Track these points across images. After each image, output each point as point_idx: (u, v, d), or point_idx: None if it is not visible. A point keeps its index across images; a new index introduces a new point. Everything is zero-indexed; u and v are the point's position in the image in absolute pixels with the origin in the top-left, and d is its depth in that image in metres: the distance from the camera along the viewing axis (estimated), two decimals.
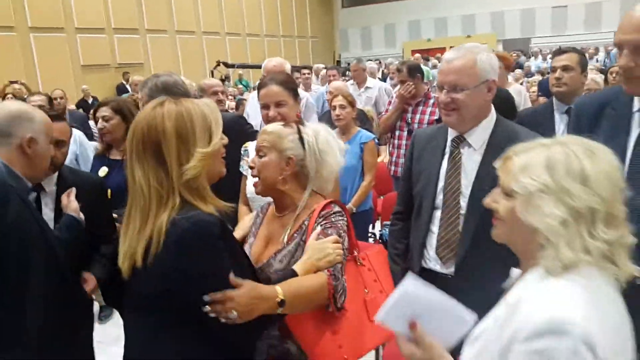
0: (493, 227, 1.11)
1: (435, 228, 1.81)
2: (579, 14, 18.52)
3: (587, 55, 12.08)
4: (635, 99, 1.61)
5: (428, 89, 4.29)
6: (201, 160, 1.25)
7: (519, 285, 1.04)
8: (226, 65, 13.83)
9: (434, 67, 11.02)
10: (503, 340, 0.96)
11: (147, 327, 1.29)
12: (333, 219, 1.57)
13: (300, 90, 3.92)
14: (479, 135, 1.77)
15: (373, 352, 2.60)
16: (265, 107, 2.15)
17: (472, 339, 1.08)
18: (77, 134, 3.35)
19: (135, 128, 1.28)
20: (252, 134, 2.46)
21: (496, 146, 1.67)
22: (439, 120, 4.12)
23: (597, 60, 12.61)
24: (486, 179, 1.66)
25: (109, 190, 2.81)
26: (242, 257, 1.38)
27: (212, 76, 12.13)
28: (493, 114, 1.81)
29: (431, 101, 4.15)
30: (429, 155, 1.86)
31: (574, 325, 0.88)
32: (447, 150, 1.82)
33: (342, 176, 3.41)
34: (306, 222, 1.56)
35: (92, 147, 3.46)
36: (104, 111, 2.76)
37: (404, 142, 4.09)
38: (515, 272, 1.13)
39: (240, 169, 2.30)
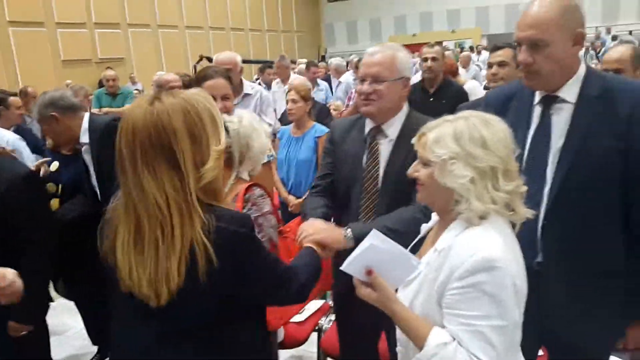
0: (418, 193, 1.33)
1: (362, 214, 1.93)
2: None
3: None
4: (537, 92, 1.68)
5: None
6: (218, 159, 1.15)
7: (444, 236, 1.26)
8: (209, 60, 13.78)
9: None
10: (438, 282, 1.19)
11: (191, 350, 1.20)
12: (259, 203, 1.72)
13: (254, 85, 3.99)
14: (395, 127, 1.91)
15: (315, 339, 2.69)
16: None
17: (405, 283, 1.32)
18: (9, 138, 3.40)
19: (135, 129, 1.10)
20: None
21: (407, 135, 1.79)
22: None
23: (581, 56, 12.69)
24: (396, 163, 1.85)
25: (60, 185, 2.86)
26: None
27: (195, 71, 12.10)
28: (405, 108, 1.92)
29: None
30: (349, 146, 1.98)
31: (500, 262, 1.13)
32: (367, 140, 1.94)
33: (297, 170, 3.54)
34: (232, 207, 1.64)
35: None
36: None
37: None
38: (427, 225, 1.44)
39: None
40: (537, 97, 1.67)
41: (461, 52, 13.06)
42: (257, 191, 1.74)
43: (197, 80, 2.33)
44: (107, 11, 12.86)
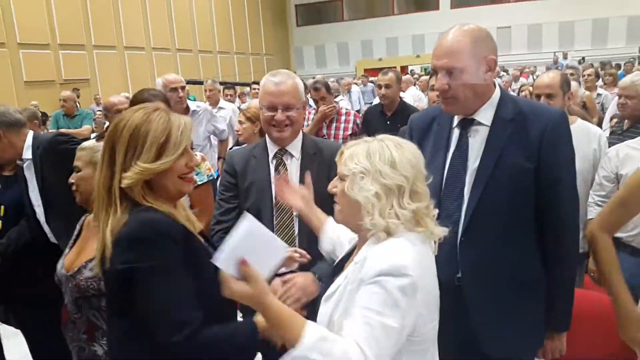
0: (335, 212, 1.37)
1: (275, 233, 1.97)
2: (522, 35, 19.38)
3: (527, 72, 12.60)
4: (455, 116, 1.77)
5: (340, 106, 4.48)
6: (138, 174, 1.27)
7: (362, 249, 1.30)
8: (196, 83, 13.71)
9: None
10: (354, 291, 1.22)
11: (118, 329, 1.33)
12: None
13: (197, 102, 4.14)
14: (297, 147, 2.02)
15: None
16: None
17: (326, 297, 1.33)
18: None
19: (109, 130, 1.34)
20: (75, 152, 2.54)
21: (306, 153, 1.99)
22: (352, 135, 4.31)
23: (533, 79, 13.18)
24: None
25: (2, 207, 2.82)
26: (205, 269, 1.30)
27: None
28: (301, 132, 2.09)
29: (343, 117, 4.33)
30: (253, 173, 2.02)
31: (408, 270, 1.17)
32: (273, 161, 2.03)
33: None
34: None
35: None
36: None
37: None
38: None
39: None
40: (456, 120, 1.76)
41: (427, 76, 13.50)
42: None
43: (133, 103, 2.34)
44: (72, 32, 12.80)
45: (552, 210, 1.67)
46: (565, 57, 16.33)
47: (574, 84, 3.37)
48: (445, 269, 1.72)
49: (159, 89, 3.64)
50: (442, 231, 1.32)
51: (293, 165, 2.01)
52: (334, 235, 1.64)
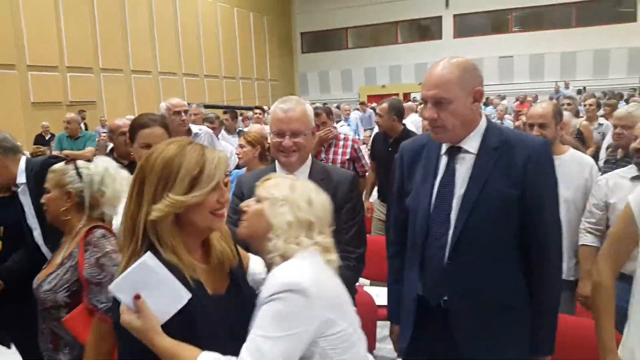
0: (240, 226, 1.44)
1: None
2: (524, 65, 19.63)
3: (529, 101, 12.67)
4: (443, 144, 1.83)
5: (337, 133, 4.56)
6: (168, 206, 1.22)
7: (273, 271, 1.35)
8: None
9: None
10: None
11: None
12: (99, 244, 1.80)
13: (199, 126, 4.25)
14: (304, 171, 2.05)
15: None
16: (147, 146, 2.29)
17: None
18: None
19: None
20: None
21: (315, 179, 1.94)
22: (350, 160, 4.38)
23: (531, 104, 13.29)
24: None
25: (2, 228, 2.86)
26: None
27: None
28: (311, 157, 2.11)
29: (341, 142, 4.41)
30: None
31: (300, 284, 1.24)
32: None
33: None
34: (76, 250, 1.80)
35: None
36: None
37: None
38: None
39: None
40: (444, 148, 1.82)
41: None
42: (98, 232, 1.82)
43: (133, 128, 2.39)
44: (81, 55, 13.06)
45: (535, 236, 1.71)
46: (567, 87, 16.50)
47: (566, 113, 3.44)
48: (433, 292, 1.77)
49: (161, 113, 3.75)
50: (336, 258, 1.41)
51: None
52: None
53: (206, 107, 7.63)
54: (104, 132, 10.30)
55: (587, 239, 2.65)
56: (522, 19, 20.04)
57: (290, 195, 1.39)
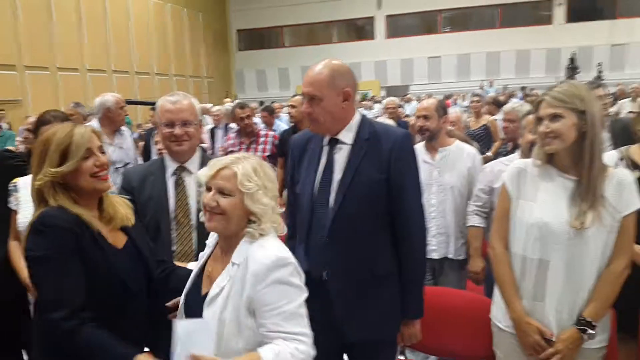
0: (210, 222, 1.51)
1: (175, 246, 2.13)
2: (452, 64, 20.49)
3: (453, 99, 13.35)
4: (326, 136, 2.05)
5: (258, 129, 4.75)
6: (46, 176, 1.54)
7: (238, 251, 1.51)
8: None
9: None
10: (246, 291, 1.44)
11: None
12: None
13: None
14: (194, 163, 2.19)
15: None
16: None
17: (210, 300, 1.49)
18: None
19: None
20: (18, 168, 2.64)
21: None
22: (270, 157, 4.58)
23: (459, 106, 13.96)
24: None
25: None
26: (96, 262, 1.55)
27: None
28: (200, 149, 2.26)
29: (261, 139, 4.61)
30: (150, 189, 2.16)
31: (289, 259, 1.48)
32: (172, 177, 2.17)
33: None
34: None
35: None
36: None
37: None
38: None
39: (9, 205, 2.50)
40: (326, 140, 2.06)
41: (363, 101, 14.20)
42: None
43: (37, 125, 2.49)
44: (2, 52, 12.48)
45: (400, 214, 1.98)
46: (491, 85, 17.39)
47: (457, 110, 3.76)
48: (315, 267, 1.99)
49: (98, 108, 3.88)
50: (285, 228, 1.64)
51: (192, 182, 2.15)
52: None
53: (131, 103, 7.57)
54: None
55: (474, 220, 2.95)
56: (450, 20, 20.89)
57: (260, 181, 1.50)
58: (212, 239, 1.69)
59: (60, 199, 1.55)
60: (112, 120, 3.95)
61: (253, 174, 1.49)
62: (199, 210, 2.06)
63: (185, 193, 2.12)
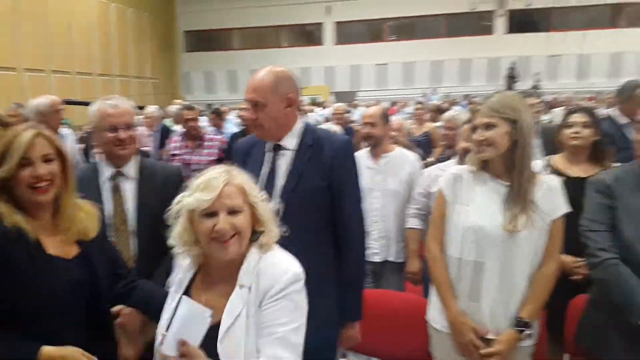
0: (227, 249, 1.37)
1: None
2: (398, 72, 20.96)
3: (398, 106, 13.66)
4: (269, 142, 2.06)
5: (204, 132, 4.71)
6: None
7: (245, 271, 1.39)
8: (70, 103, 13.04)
9: None
10: (257, 312, 1.34)
11: None
12: None
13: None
14: (132, 167, 2.16)
15: None
16: None
17: (223, 334, 1.33)
18: None
19: None
20: None
21: (146, 177, 2.13)
22: (217, 161, 4.53)
23: (404, 113, 14.26)
24: (146, 204, 2.08)
25: None
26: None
27: None
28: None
29: (207, 143, 4.56)
30: (88, 193, 2.09)
31: (302, 275, 1.42)
32: (109, 182, 2.13)
33: None
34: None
35: None
36: None
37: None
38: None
39: None
40: (269, 146, 2.06)
41: (314, 106, 14.32)
42: None
43: None
44: None
45: (340, 219, 2.02)
46: (434, 93, 17.90)
47: (399, 117, 3.87)
48: None
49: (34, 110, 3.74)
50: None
51: (129, 186, 2.13)
52: None
53: (71, 103, 7.29)
54: None
55: (413, 223, 3.06)
56: (396, 29, 21.37)
57: (259, 191, 1.46)
58: (184, 267, 1.52)
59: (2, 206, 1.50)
60: (47, 124, 3.78)
61: (252, 183, 1.44)
62: (138, 215, 2.08)
63: (122, 198, 2.09)
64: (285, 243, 1.92)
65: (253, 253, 1.41)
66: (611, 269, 1.91)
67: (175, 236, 1.42)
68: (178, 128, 7.23)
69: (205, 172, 1.41)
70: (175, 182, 2.15)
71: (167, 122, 7.57)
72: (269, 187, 2.01)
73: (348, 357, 2.67)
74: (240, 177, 1.42)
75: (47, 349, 1.45)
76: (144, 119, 6.71)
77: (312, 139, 2.03)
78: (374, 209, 3.13)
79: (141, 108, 8.09)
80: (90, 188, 2.08)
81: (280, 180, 2.00)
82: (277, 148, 2.04)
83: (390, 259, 3.15)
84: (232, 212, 1.36)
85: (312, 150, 2.00)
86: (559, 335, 2.36)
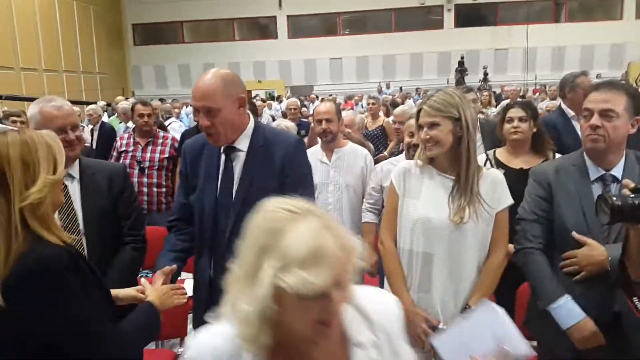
0: (334, 328, 0.97)
1: None
2: (352, 66, 21.14)
3: (354, 100, 13.80)
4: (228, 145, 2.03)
5: (157, 130, 4.63)
6: (45, 186, 1.27)
7: (349, 326, 1.04)
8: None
9: None
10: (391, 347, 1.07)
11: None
12: None
13: None
14: (76, 167, 2.13)
15: None
16: None
17: None
18: None
19: None
20: None
21: (89, 177, 2.11)
22: (169, 159, 4.47)
23: (362, 106, 14.43)
24: (90, 203, 2.08)
25: None
26: (97, 287, 1.42)
27: None
28: None
29: (160, 140, 4.49)
30: None
31: None
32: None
33: None
34: None
35: None
36: None
37: (135, 179, 4.32)
38: None
39: None
40: (221, 147, 2.03)
41: (271, 100, 14.23)
42: None
43: None
44: None
45: None
46: (388, 87, 18.16)
47: (350, 112, 3.94)
48: (219, 274, 1.92)
49: None
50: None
51: (74, 187, 2.09)
52: None
53: (14, 99, 7.01)
54: None
55: (367, 217, 3.12)
56: (349, 23, 21.53)
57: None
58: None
59: (52, 218, 1.32)
60: None
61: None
62: (84, 216, 2.05)
63: (69, 199, 2.05)
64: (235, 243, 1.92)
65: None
66: (527, 256, 2.01)
67: (242, 323, 0.95)
68: (123, 125, 7.09)
69: (292, 221, 0.96)
70: (121, 181, 2.14)
71: (113, 119, 7.41)
72: (226, 190, 2.01)
73: None
74: (339, 228, 0.99)
75: (152, 298, 1.62)
76: (87, 115, 6.55)
77: (262, 139, 2.02)
78: (329, 203, 3.19)
79: (90, 104, 7.89)
80: None
81: (237, 181, 2.00)
82: (230, 150, 2.02)
83: None
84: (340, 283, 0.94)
85: (263, 150, 2.00)
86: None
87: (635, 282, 1.63)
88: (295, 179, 2.00)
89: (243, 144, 2.02)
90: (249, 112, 2.07)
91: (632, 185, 1.56)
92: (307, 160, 2.12)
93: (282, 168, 1.98)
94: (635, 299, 1.62)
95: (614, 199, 1.51)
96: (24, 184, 1.26)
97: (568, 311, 1.88)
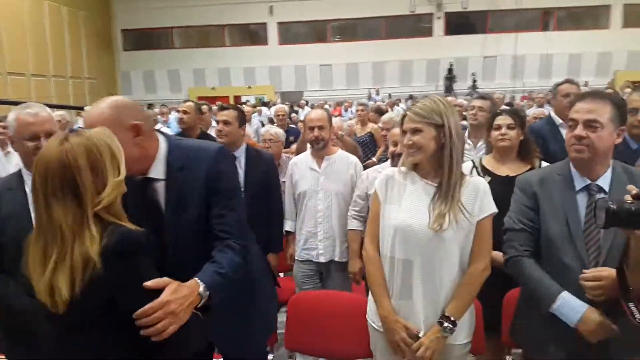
0: None
1: None
2: (342, 73, 21.21)
3: (344, 106, 13.86)
4: (138, 175, 1.83)
5: None
6: (114, 189, 1.35)
7: None
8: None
9: None
10: None
11: (95, 345, 1.36)
12: None
13: None
14: None
15: None
16: None
17: None
18: None
19: (48, 167, 1.31)
20: None
21: None
22: None
23: (351, 112, 14.48)
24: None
25: None
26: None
27: None
28: None
29: None
30: (11, 202, 2.01)
31: None
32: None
33: None
34: None
35: None
36: None
37: None
38: None
39: None
40: (139, 179, 1.78)
41: (262, 105, 14.20)
42: None
43: None
44: None
45: (224, 237, 1.79)
46: (377, 93, 18.24)
47: (338, 119, 3.94)
48: None
49: None
50: None
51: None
52: None
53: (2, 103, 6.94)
54: None
55: (353, 224, 3.13)
56: (339, 30, 21.60)
57: None
58: None
59: (124, 217, 1.42)
60: None
61: None
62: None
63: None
64: (181, 272, 1.60)
65: None
66: (517, 264, 1.99)
67: None
68: None
69: None
70: None
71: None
72: (158, 227, 1.78)
73: (295, 357, 2.71)
74: None
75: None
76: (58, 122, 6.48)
77: (180, 160, 1.80)
78: (319, 210, 3.20)
79: (79, 109, 7.82)
80: (16, 198, 1.99)
81: (163, 214, 1.80)
82: (147, 182, 1.79)
83: (336, 258, 3.22)
84: None
85: (184, 174, 1.79)
86: (497, 329, 2.46)
87: (632, 289, 1.63)
88: (221, 195, 1.81)
89: (158, 171, 1.78)
90: (157, 133, 1.85)
91: (635, 191, 1.55)
92: (235, 172, 1.97)
93: (206, 188, 1.79)
94: (630, 304, 1.63)
95: (610, 203, 1.52)
96: (95, 190, 1.33)
97: (570, 306, 1.84)
